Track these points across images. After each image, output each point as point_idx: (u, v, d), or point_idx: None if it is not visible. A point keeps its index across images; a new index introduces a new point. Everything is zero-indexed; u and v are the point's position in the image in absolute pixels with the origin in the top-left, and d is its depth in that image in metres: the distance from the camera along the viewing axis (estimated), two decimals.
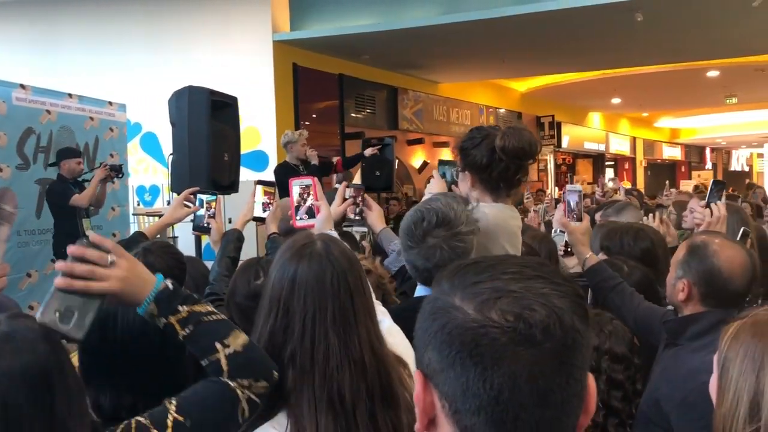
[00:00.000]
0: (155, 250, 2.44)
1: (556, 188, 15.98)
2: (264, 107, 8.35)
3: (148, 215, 7.69)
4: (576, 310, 0.73)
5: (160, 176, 8.66)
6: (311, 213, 2.26)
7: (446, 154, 13.09)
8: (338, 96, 9.97)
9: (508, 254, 0.61)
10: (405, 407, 1.41)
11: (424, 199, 2.25)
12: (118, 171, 5.98)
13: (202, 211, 2.94)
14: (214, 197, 2.97)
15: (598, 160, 20.26)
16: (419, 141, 12.12)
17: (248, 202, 2.95)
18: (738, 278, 1.84)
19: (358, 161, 7.70)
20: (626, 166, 22.10)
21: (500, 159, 2.16)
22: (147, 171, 9.03)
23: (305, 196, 2.28)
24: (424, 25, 8.17)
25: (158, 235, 3.20)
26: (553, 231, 4.20)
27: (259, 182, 3.12)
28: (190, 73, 7.12)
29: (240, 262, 2.53)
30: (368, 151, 7.55)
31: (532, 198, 7.47)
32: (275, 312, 1.46)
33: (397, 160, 9.39)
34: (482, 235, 2.11)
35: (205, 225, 2.94)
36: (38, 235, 6.09)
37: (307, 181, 2.31)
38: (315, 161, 6.59)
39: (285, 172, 6.12)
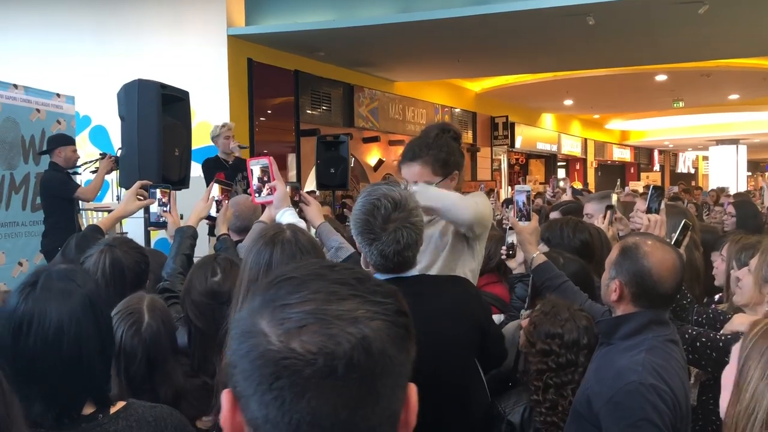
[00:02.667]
0: (120, 246, 2.45)
1: (509, 188, 16.20)
2: (218, 102, 8.25)
3: (96, 210, 7.51)
4: (391, 331, 0.71)
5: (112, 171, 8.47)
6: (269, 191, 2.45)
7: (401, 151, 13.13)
8: (294, 92, 9.91)
9: (326, 266, 0.60)
10: None
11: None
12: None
13: (155, 207, 2.94)
14: (167, 186, 3.00)
15: (551, 161, 20.60)
16: (375, 139, 12.15)
17: (204, 200, 2.98)
18: (667, 280, 1.89)
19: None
20: (578, 166, 22.53)
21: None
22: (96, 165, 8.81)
23: (264, 176, 2.45)
24: (380, 23, 8.18)
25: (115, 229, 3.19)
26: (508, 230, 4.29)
27: (218, 182, 3.14)
28: (141, 66, 6.98)
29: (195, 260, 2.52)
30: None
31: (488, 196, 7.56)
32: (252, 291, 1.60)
33: (352, 158, 9.40)
34: (480, 225, 2.36)
35: (160, 221, 2.95)
36: None
37: (264, 161, 2.46)
38: (238, 153, 6.21)
39: (212, 167, 5.86)
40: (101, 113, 8.33)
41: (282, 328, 0.69)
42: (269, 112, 9.84)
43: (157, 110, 3.73)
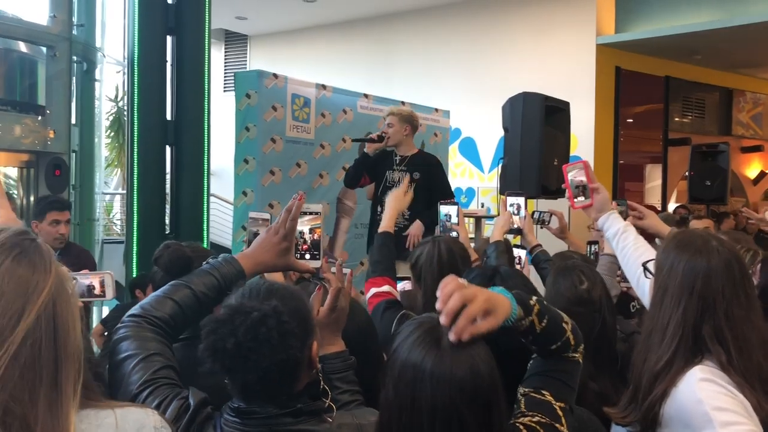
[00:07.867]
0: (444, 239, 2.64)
1: None
2: (583, 112, 8.16)
3: (465, 216, 8.02)
4: None
5: (476, 180, 8.98)
6: (587, 194, 2.42)
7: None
8: (663, 99, 9.35)
9: None
10: None
11: None
12: None
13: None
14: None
15: None
16: (757, 149, 10.80)
17: (504, 214, 3.12)
18: None
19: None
20: None
21: None
22: (464, 174, 9.42)
23: (579, 179, 2.44)
24: None
25: None
26: None
27: (510, 194, 3.14)
28: (510, 80, 7.26)
29: (557, 266, 2.49)
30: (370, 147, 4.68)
31: None
32: (687, 298, 1.67)
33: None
34: None
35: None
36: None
37: (579, 165, 2.45)
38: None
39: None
40: (470, 125, 8.89)
41: None
42: (633, 120, 9.44)
43: (540, 122, 3.82)
